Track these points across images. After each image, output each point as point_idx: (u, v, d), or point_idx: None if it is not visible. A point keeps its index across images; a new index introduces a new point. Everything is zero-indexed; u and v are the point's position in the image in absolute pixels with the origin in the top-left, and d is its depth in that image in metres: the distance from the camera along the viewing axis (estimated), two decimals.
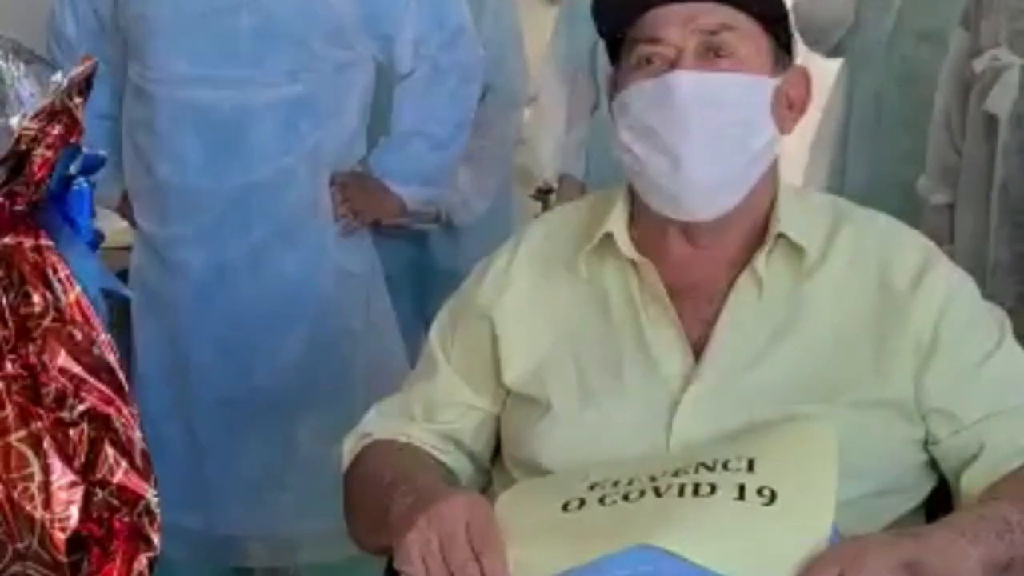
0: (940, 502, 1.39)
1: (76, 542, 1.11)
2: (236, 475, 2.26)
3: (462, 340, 1.48)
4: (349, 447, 1.49)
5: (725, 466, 1.22)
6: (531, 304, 1.45)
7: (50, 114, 1.09)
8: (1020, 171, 2.27)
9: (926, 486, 1.38)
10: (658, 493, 1.21)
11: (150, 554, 1.13)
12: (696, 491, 1.20)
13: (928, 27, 2.82)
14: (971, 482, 1.31)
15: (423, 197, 2.50)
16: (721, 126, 1.35)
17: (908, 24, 2.84)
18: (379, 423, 1.49)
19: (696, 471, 1.23)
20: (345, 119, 2.30)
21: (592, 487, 1.26)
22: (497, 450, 1.49)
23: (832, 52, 2.95)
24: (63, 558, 1.10)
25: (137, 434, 1.13)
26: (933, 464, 1.37)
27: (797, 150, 2.88)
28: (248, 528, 2.29)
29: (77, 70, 1.09)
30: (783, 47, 1.41)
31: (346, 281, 2.33)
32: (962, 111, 2.44)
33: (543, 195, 4.55)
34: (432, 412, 1.47)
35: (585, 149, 3.17)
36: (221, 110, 2.19)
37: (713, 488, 1.20)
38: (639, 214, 1.43)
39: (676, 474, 1.23)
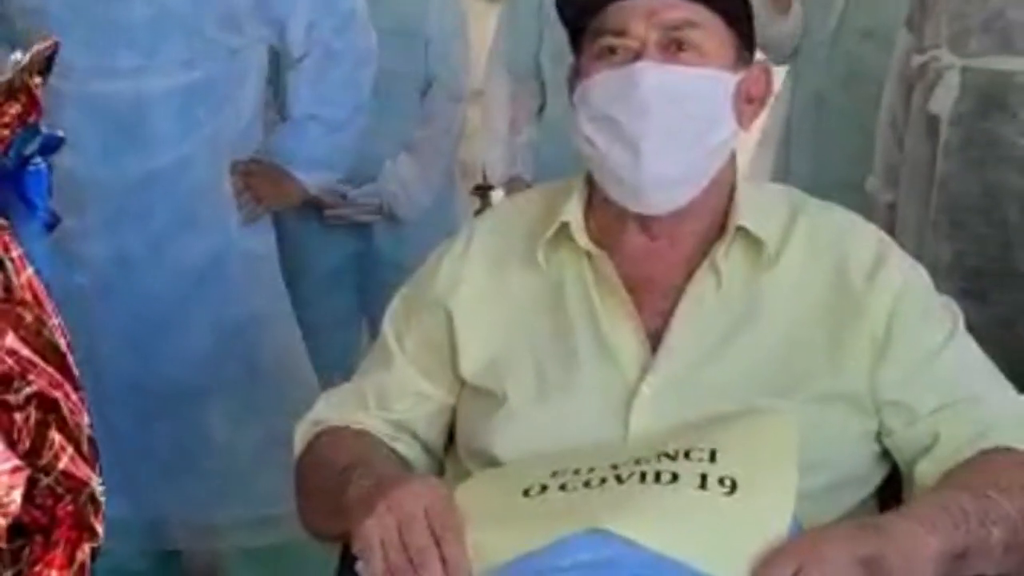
0: (890, 489, 1.40)
1: (18, 529, 1.09)
2: (154, 460, 2.24)
3: (417, 331, 1.47)
4: (301, 434, 1.47)
5: (687, 455, 1.23)
6: (487, 295, 1.44)
7: (8, 92, 1.06)
8: (960, 169, 2.30)
9: (878, 476, 1.39)
10: (620, 480, 1.21)
11: (93, 543, 1.11)
12: (658, 478, 1.20)
13: (871, 26, 2.84)
14: (925, 472, 1.32)
15: (323, 181, 2.50)
16: (682, 120, 1.35)
17: (851, 23, 2.87)
18: (331, 411, 1.48)
19: (658, 459, 1.23)
20: (241, 104, 2.30)
21: (553, 474, 1.25)
22: (451, 440, 1.48)
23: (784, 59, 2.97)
24: (3, 544, 1.08)
25: (85, 420, 1.12)
26: (885, 454, 1.39)
27: (741, 146, 2.90)
28: (170, 512, 2.28)
29: (38, 48, 1.07)
30: (745, 43, 1.41)
31: (252, 264, 2.33)
32: (907, 111, 2.46)
33: (482, 192, 4.55)
34: (386, 401, 1.46)
35: (534, 151, 3.17)
36: (118, 100, 2.18)
37: (675, 476, 1.20)
38: (597, 205, 1.43)
39: (638, 462, 1.23)
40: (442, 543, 1.19)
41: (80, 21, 2.15)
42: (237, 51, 2.26)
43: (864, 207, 2.48)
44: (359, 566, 1.25)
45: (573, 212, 1.42)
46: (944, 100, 2.30)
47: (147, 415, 2.23)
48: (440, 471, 1.48)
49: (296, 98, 2.39)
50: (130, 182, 2.20)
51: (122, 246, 2.22)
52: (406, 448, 1.45)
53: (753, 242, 1.38)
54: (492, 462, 1.37)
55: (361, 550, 1.21)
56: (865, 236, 1.42)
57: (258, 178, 2.34)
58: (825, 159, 2.85)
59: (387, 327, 1.51)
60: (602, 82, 1.36)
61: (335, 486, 1.33)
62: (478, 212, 4.23)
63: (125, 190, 2.20)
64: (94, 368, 2.18)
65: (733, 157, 1.43)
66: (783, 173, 2.89)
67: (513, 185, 3.20)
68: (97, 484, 1.12)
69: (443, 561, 1.19)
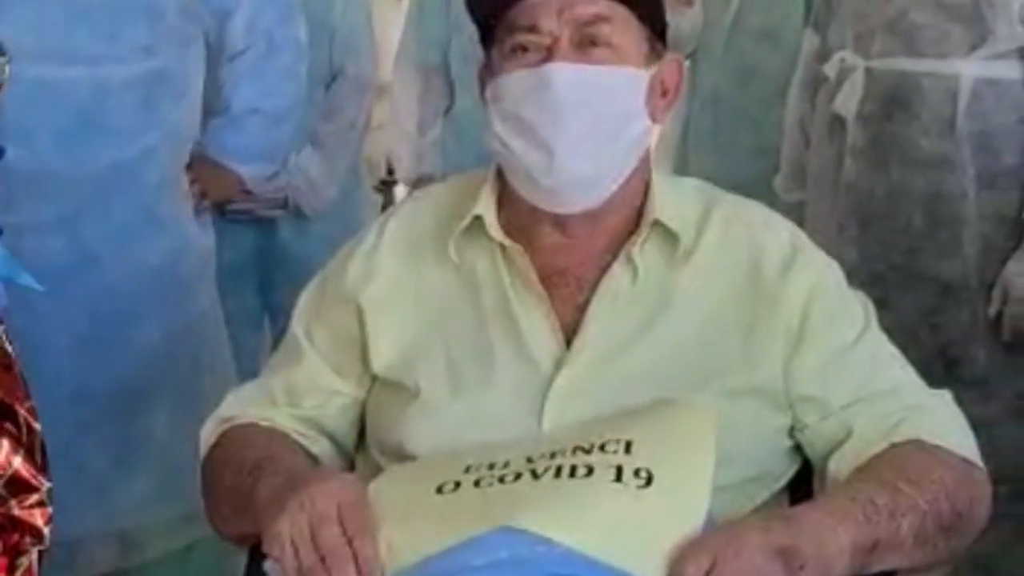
0: (800, 483, 1.42)
1: None
2: (86, 473, 2.15)
3: (327, 325, 1.45)
4: (208, 432, 1.44)
5: (603, 448, 1.22)
6: (399, 289, 1.43)
7: None
8: (866, 171, 2.32)
9: (790, 470, 1.40)
10: (535, 475, 1.20)
11: (40, 547, 1.09)
12: (573, 473, 1.19)
13: (765, 26, 2.88)
14: (838, 466, 1.33)
15: (262, 174, 2.48)
16: (596, 119, 1.34)
17: (746, 23, 2.90)
18: (239, 408, 1.45)
19: (573, 453, 1.22)
20: (193, 97, 2.24)
21: (467, 469, 1.24)
22: (362, 436, 1.46)
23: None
24: None
25: (37, 426, 1.12)
26: (797, 448, 1.39)
27: None
28: (96, 526, 2.18)
29: None
30: (658, 36, 1.41)
31: (203, 261, 2.29)
32: (814, 112, 2.49)
33: (385, 187, 4.52)
34: (295, 397, 1.44)
35: (441, 147, 3.16)
36: (75, 86, 2.07)
37: (590, 470, 1.19)
38: (509, 200, 1.42)
39: (553, 456, 1.22)
40: (354, 542, 1.17)
41: (30, 1, 2.03)
42: (189, 40, 2.20)
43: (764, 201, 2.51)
44: (268, 565, 1.22)
45: (486, 205, 1.41)
46: (849, 101, 2.33)
47: (88, 424, 2.12)
48: (351, 467, 1.47)
49: (236, 92, 2.35)
50: (90, 175, 2.09)
51: (83, 242, 2.10)
52: (316, 444, 1.43)
53: (668, 236, 1.38)
54: (405, 457, 1.36)
55: (272, 550, 1.19)
56: (779, 231, 1.43)
57: (200, 171, 2.29)
58: (721, 157, 2.87)
59: (296, 322, 1.49)
60: (514, 81, 1.35)
61: (244, 484, 1.31)
62: (384, 206, 4.20)
63: (87, 183, 2.09)
64: (33, 379, 2.09)
65: (648, 152, 1.42)
66: (681, 171, 2.90)
67: (422, 183, 3.19)
68: (46, 488, 1.10)
69: (355, 561, 1.17)
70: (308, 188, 2.92)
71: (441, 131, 3.19)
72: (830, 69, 2.38)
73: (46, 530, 1.09)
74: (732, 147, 2.88)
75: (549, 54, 1.33)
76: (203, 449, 1.43)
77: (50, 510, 1.09)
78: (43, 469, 1.11)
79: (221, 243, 2.51)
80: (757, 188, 2.57)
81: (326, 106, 2.95)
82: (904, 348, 1.44)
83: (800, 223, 2.44)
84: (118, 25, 2.08)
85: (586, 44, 1.34)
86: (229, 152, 2.35)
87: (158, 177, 2.17)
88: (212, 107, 2.36)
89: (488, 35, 1.40)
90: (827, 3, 2.45)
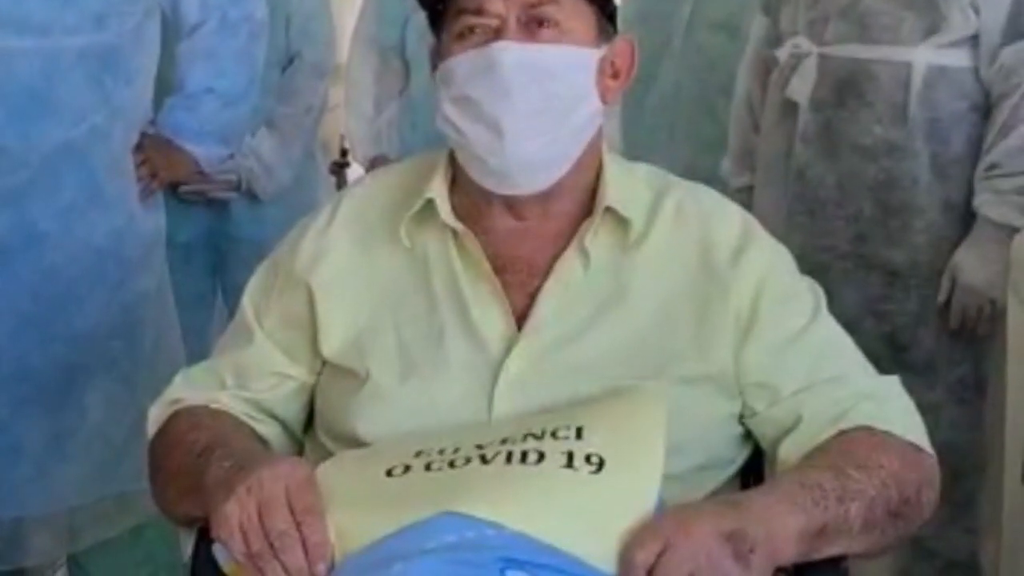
0: (751, 469, 1.42)
1: None
2: (24, 453, 2.12)
3: (277, 308, 1.44)
4: (156, 414, 1.43)
5: (554, 434, 1.22)
6: (350, 271, 1.42)
7: None
8: (817, 158, 2.33)
9: (742, 457, 1.41)
10: (485, 460, 1.20)
11: None
12: (524, 459, 1.19)
13: (723, 18, 2.88)
14: (788, 452, 1.34)
15: (217, 155, 2.44)
16: (544, 98, 1.34)
17: (704, 15, 2.90)
18: (188, 390, 1.44)
19: (524, 439, 1.22)
20: (145, 76, 2.21)
21: (418, 454, 1.24)
22: (310, 419, 1.46)
23: None
24: None
25: None
26: (748, 435, 1.40)
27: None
28: (32, 508, 2.15)
29: None
30: (607, 17, 1.40)
31: (149, 243, 2.25)
32: (764, 95, 2.49)
33: (338, 169, 4.50)
34: (244, 380, 1.43)
35: (396, 129, 3.15)
36: (28, 60, 2.02)
37: (541, 456, 1.19)
38: (461, 184, 1.42)
39: (504, 442, 1.22)
40: (303, 527, 1.17)
41: None
42: (143, 17, 2.16)
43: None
44: (216, 548, 1.21)
45: (438, 189, 1.40)
46: (802, 87, 2.33)
47: (28, 403, 2.09)
48: (300, 451, 1.46)
49: (190, 71, 2.32)
50: (40, 152, 2.04)
51: (29, 221, 2.06)
52: (264, 428, 1.43)
53: (621, 222, 1.38)
54: (355, 442, 1.35)
55: (220, 533, 1.18)
56: (730, 217, 1.43)
57: (152, 151, 2.25)
58: (677, 147, 2.87)
59: (247, 302, 1.48)
60: (462, 63, 1.35)
61: (193, 467, 1.30)
62: (338, 189, 4.18)
63: (35, 161, 2.04)
64: None
65: (599, 135, 1.42)
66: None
67: (377, 165, 3.18)
68: None
69: (304, 545, 1.16)
70: (262, 171, 2.90)
71: (398, 114, 3.18)
72: (782, 54, 2.38)
73: None
74: (692, 139, 2.89)
75: (496, 35, 1.33)
76: (151, 430, 1.42)
77: None
78: None
79: (174, 224, 2.50)
80: (717, 179, 2.58)
81: (282, 89, 2.93)
82: (851, 335, 1.45)
83: (748, 208, 2.46)
84: None
85: (533, 25, 1.34)
86: (183, 132, 2.32)
87: (108, 157, 2.14)
88: (168, 85, 2.34)
89: (437, 20, 1.40)
90: None
